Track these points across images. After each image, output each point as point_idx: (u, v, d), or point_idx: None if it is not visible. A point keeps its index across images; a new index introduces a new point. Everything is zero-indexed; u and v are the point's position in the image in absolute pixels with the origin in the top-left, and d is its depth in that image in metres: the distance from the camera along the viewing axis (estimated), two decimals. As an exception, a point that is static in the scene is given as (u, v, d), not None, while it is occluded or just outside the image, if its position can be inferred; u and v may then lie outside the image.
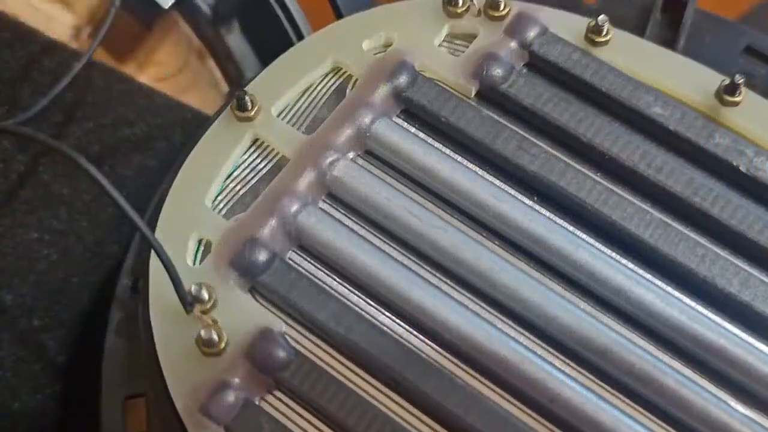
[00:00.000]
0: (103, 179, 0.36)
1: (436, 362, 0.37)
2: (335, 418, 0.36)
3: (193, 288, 0.37)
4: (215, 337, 0.37)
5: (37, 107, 0.46)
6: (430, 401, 0.36)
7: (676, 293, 0.39)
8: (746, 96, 0.42)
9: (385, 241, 0.40)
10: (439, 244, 0.39)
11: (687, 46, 0.46)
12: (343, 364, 0.38)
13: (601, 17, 0.43)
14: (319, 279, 0.39)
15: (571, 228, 0.40)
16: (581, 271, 0.39)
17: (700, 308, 0.38)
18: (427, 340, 0.38)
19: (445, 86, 0.43)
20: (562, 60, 0.43)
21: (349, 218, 0.41)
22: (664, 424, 0.37)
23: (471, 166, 0.42)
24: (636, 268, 0.39)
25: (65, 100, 0.52)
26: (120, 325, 0.43)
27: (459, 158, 0.42)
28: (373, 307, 0.39)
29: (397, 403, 0.37)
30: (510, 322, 0.38)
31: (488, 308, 0.39)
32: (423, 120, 0.43)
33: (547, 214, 0.40)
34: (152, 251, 0.37)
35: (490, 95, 0.43)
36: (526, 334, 0.38)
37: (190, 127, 0.58)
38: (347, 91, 0.44)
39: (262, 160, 0.42)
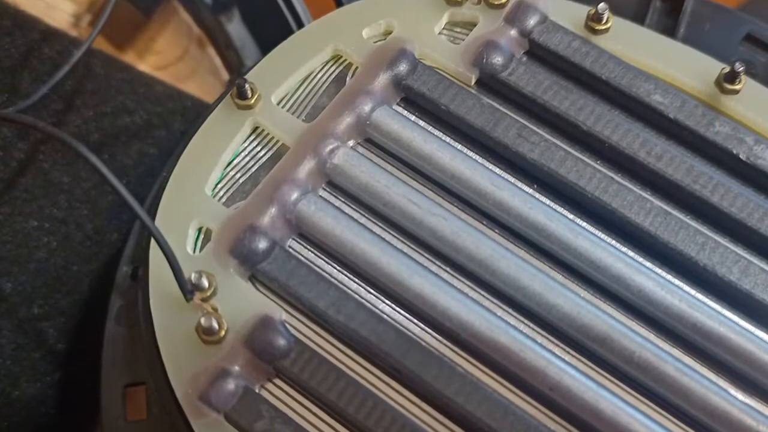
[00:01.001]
0: (102, 167, 0.36)
1: (436, 350, 0.37)
2: (335, 406, 0.36)
3: (193, 276, 0.37)
4: (215, 325, 0.37)
5: (37, 95, 0.46)
6: (430, 389, 0.36)
7: (676, 281, 0.39)
8: (746, 84, 0.42)
9: (385, 229, 0.40)
10: (439, 232, 0.39)
11: (687, 34, 0.46)
12: (343, 352, 0.38)
13: (601, 5, 0.43)
14: (319, 267, 0.39)
15: (571, 216, 0.40)
16: (581, 259, 0.39)
17: (700, 296, 0.38)
18: (427, 328, 0.38)
19: (445, 74, 0.43)
20: (562, 48, 0.43)
21: (349, 206, 0.41)
22: (663, 412, 0.37)
23: (471, 154, 0.42)
24: (636, 256, 0.39)
25: (65, 88, 0.52)
26: (120, 313, 0.43)
27: (459, 146, 0.42)
28: (373, 295, 0.39)
29: (397, 391, 0.37)
30: (510, 310, 0.39)
31: (488, 296, 0.39)
32: (423, 108, 0.43)
33: (547, 202, 0.40)
34: (152, 239, 0.37)
35: (490, 83, 0.43)
36: (526, 322, 0.38)
37: (190, 115, 0.58)
38: (347, 79, 0.43)
39: (262, 148, 0.42)
